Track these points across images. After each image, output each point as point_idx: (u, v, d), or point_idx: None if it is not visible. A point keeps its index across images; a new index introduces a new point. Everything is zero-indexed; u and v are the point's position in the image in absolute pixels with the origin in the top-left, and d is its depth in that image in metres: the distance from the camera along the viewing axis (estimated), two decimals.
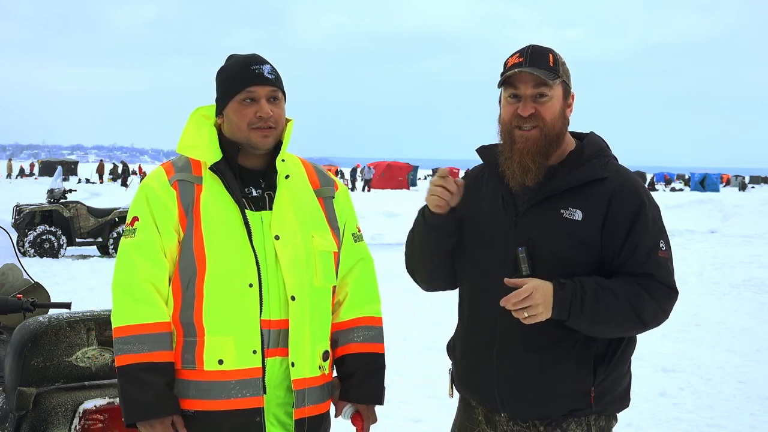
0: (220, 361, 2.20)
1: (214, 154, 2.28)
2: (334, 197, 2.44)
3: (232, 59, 2.36)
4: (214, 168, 2.28)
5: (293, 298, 2.26)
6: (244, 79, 2.28)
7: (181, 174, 2.28)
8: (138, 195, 2.30)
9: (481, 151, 2.43)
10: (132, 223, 2.26)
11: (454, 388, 2.48)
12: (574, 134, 2.37)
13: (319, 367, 2.34)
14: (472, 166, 2.54)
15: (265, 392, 2.24)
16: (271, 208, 2.31)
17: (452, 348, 2.46)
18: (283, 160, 2.34)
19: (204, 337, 2.21)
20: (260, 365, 2.23)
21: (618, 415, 2.33)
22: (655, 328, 2.26)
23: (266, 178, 2.35)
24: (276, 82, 2.31)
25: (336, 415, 2.43)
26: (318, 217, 2.38)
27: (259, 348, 2.23)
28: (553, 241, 2.20)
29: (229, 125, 2.31)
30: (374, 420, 2.43)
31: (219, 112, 2.34)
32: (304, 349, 2.29)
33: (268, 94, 2.29)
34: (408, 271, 2.54)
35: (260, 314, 2.23)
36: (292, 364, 2.26)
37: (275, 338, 2.26)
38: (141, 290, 2.21)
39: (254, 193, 2.32)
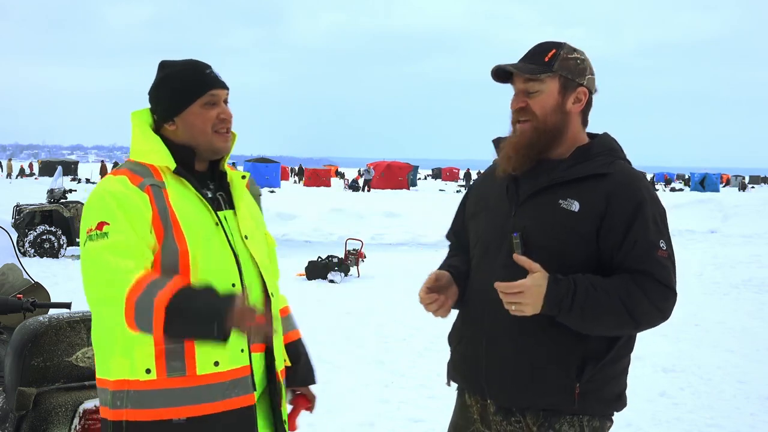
0: (216, 363, 2.20)
1: (172, 159, 2.27)
2: (260, 195, 2.56)
3: (175, 66, 2.34)
4: (178, 171, 2.27)
5: (272, 295, 2.35)
6: (204, 82, 2.29)
7: (148, 179, 2.23)
8: (102, 199, 2.18)
9: (496, 141, 2.49)
10: (100, 228, 2.13)
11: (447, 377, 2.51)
12: (589, 135, 2.39)
13: (284, 360, 2.48)
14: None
15: (254, 389, 2.27)
16: (225, 209, 2.34)
17: (450, 337, 2.50)
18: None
19: (194, 342, 2.18)
20: (248, 363, 2.26)
21: (618, 415, 2.32)
22: (652, 328, 2.25)
23: (214, 180, 2.38)
24: (227, 85, 2.37)
25: None
26: (261, 216, 2.50)
27: (246, 346, 2.26)
28: (547, 230, 2.21)
29: (188, 130, 2.29)
30: (315, 396, 2.61)
31: (169, 118, 2.30)
32: (280, 342, 2.43)
33: (225, 97, 2.34)
34: None
35: None
36: (274, 359, 2.35)
37: (254, 335, 2.27)
38: (126, 275, 2.07)
39: (209, 195, 2.33)
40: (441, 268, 2.43)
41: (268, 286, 2.33)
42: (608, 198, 2.20)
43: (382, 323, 8.41)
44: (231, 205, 2.36)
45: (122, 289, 2.05)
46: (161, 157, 2.26)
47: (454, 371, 2.45)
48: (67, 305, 3.28)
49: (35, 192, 27.01)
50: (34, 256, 13.78)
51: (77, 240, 14.43)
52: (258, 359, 2.32)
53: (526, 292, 2.11)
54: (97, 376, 2.26)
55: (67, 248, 14.33)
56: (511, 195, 2.32)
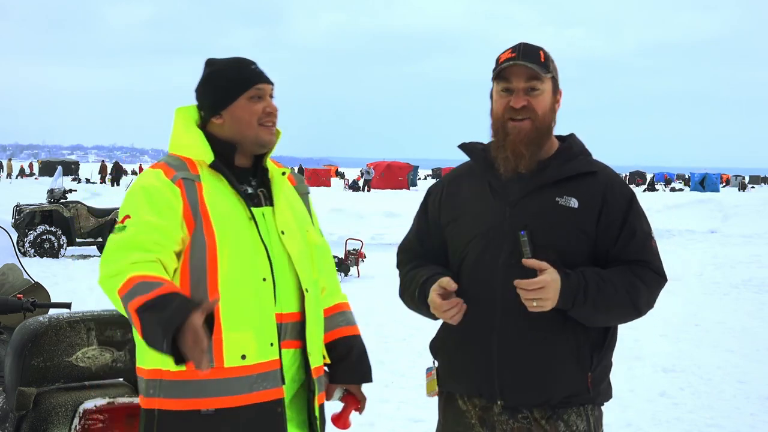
0: (243, 356, 2.22)
1: (210, 154, 2.30)
2: (309, 193, 2.56)
3: (221, 63, 2.38)
4: (214, 166, 2.29)
5: (307, 291, 2.33)
6: (250, 77, 2.34)
7: (181, 172, 2.28)
8: (133, 193, 2.28)
9: (464, 146, 2.49)
10: (123, 221, 2.23)
11: (438, 386, 2.47)
12: (555, 136, 2.44)
13: (323, 356, 2.45)
14: (448, 171, 2.60)
15: (284, 383, 2.28)
16: (265, 205, 2.36)
17: (440, 344, 2.47)
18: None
19: (221, 334, 2.21)
20: (278, 357, 2.27)
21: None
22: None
23: (257, 176, 2.39)
24: (272, 80, 2.39)
25: (327, 399, 2.49)
26: (305, 212, 2.49)
27: (275, 340, 2.27)
28: (551, 228, 2.25)
29: (235, 123, 2.32)
30: (365, 397, 2.54)
31: (216, 112, 2.35)
32: (317, 339, 2.38)
33: (270, 92, 2.37)
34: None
35: (274, 307, 2.27)
36: (309, 354, 2.33)
37: (287, 331, 2.31)
38: (128, 267, 2.12)
39: (249, 191, 2.36)
40: (427, 277, 2.36)
41: (302, 282, 2.33)
42: (603, 194, 2.29)
43: (382, 323, 8.41)
44: (272, 201, 2.37)
45: (115, 288, 2.10)
46: (199, 151, 2.30)
47: (450, 378, 2.42)
48: (67, 305, 3.28)
49: (35, 192, 27.00)
50: (34, 256, 13.78)
51: (77, 240, 14.45)
52: (291, 355, 2.33)
53: (547, 288, 2.15)
54: (136, 365, 2.31)
55: (67, 248, 14.34)
56: (498, 195, 2.33)
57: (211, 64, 2.40)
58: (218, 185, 2.29)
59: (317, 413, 2.36)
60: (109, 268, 2.16)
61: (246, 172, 2.38)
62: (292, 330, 2.32)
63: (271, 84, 2.37)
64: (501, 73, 2.31)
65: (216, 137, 2.34)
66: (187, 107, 2.41)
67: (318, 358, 2.38)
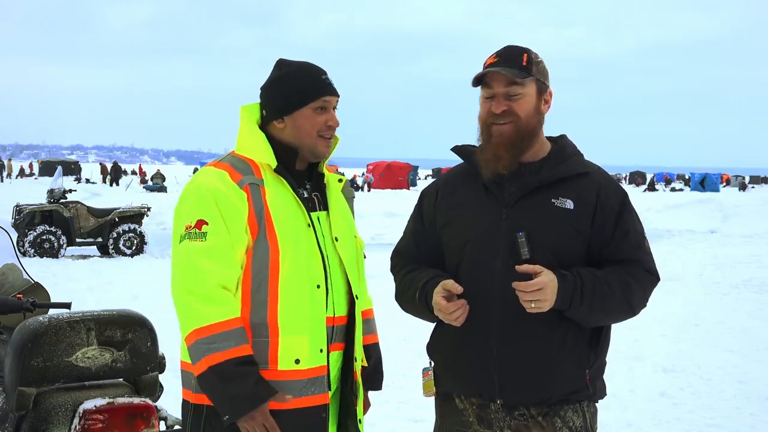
0: (297, 361, 2.25)
1: (274, 158, 2.32)
2: (354, 198, 2.57)
3: (292, 67, 2.39)
4: (278, 170, 2.32)
5: (357, 297, 2.39)
6: (319, 88, 2.35)
7: (248, 177, 2.30)
8: (200, 196, 2.26)
9: (457, 149, 2.51)
10: (199, 226, 2.22)
11: (435, 386, 2.48)
12: (547, 137, 2.45)
13: (362, 360, 2.49)
14: (440, 175, 2.60)
15: (329, 389, 2.32)
16: (319, 209, 2.39)
17: (437, 345, 2.48)
18: None
19: (278, 338, 2.24)
20: (326, 363, 2.31)
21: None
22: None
23: (311, 180, 2.42)
24: (338, 93, 2.41)
25: None
26: (352, 218, 2.53)
27: (325, 346, 2.31)
28: (548, 230, 2.27)
29: (296, 130, 2.35)
30: (370, 404, 2.59)
31: (279, 116, 2.36)
32: (360, 343, 2.45)
33: (335, 104, 2.39)
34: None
35: (326, 313, 2.31)
36: (355, 359, 2.39)
37: (336, 334, 2.36)
38: (214, 292, 2.19)
39: (305, 195, 2.38)
40: (427, 279, 2.37)
41: (353, 289, 2.38)
42: (597, 194, 2.32)
43: (382, 323, 8.37)
44: (325, 206, 2.40)
45: (190, 322, 2.19)
46: (264, 155, 2.32)
47: (448, 378, 2.43)
48: (67, 305, 3.28)
49: (35, 192, 27.00)
50: (34, 256, 13.77)
51: (77, 240, 14.44)
52: (335, 357, 2.37)
53: (545, 289, 2.17)
54: (182, 359, 2.32)
55: (67, 248, 14.33)
56: (494, 197, 2.34)
57: (282, 66, 2.41)
58: (280, 189, 2.31)
59: (360, 416, 2.41)
60: (194, 280, 2.19)
61: (302, 175, 2.40)
62: (339, 333, 2.37)
63: (338, 96, 2.38)
64: (483, 79, 2.34)
65: (276, 139, 2.36)
66: (251, 106, 2.42)
67: (359, 360, 2.43)
